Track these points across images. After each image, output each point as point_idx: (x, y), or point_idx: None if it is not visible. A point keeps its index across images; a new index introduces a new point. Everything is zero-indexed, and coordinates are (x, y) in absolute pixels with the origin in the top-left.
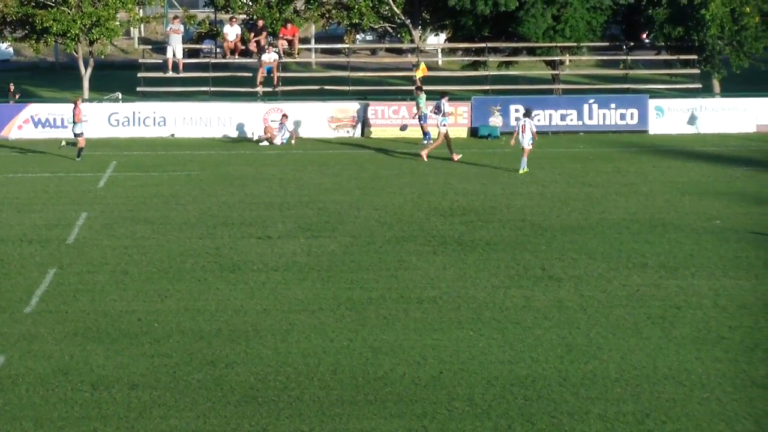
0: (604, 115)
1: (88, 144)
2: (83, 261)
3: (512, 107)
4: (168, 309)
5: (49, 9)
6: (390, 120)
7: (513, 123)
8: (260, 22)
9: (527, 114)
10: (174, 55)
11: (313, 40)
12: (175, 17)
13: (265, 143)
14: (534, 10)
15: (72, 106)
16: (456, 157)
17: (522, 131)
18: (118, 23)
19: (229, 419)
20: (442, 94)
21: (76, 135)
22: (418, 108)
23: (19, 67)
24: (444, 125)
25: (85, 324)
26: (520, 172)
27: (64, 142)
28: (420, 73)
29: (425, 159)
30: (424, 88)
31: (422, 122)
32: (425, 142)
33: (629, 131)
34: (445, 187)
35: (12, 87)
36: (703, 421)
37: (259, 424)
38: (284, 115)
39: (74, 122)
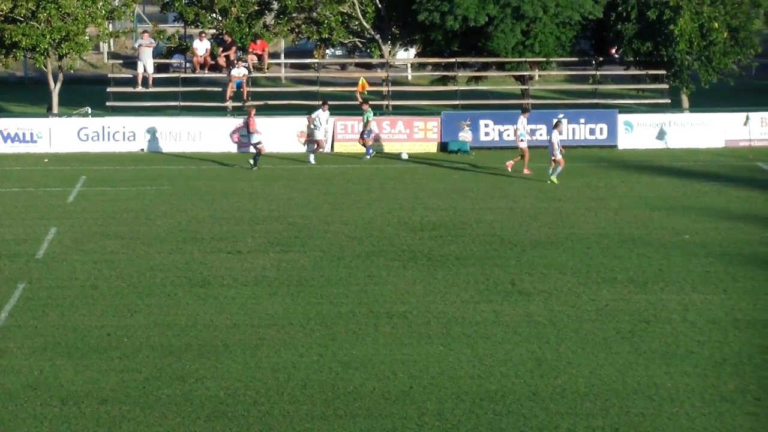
0: (573, 129)
1: (56, 158)
2: (52, 276)
3: (482, 122)
4: (137, 324)
5: (18, 24)
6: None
7: (483, 138)
8: (227, 37)
9: (555, 126)
10: (145, 70)
11: (282, 55)
12: (145, 32)
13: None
14: (503, 25)
15: (246, 117)
16: (510, 165)
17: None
18: (87, 38)
19: None
20: (523, 110)
21: (254, 145)
22: (366, 123)
23: None
24: (522, 140)
25: (54, 339)
26: (555, 181)
27: (46, 159)
28: (360, 87)
29: (529, 173)
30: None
31: (366, 137)
32: (367, 157)
33: (598, 146)
34: (415, 202)
35: None
36: None
37: None
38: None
39: (249, 133)
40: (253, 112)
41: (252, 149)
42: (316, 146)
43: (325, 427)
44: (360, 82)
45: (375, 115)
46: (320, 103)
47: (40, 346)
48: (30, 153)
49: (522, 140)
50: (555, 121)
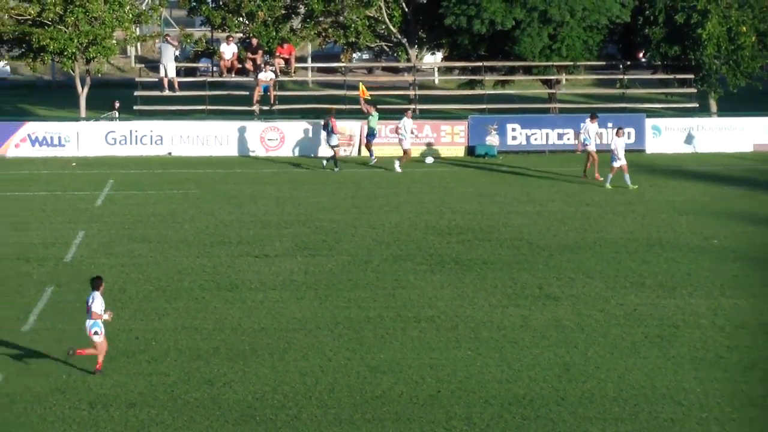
0: (600, 134)
1: (84, 162)
2: (81, 279)
3: (509, 126)
4: (165, 327)
5: (46, 27)
6: (386, 138)
7: (510, 141)
8: (254, 41)
9: (618, 133)
10: (166, 74)
11: (309, 59)
12: (167, 35)
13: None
14: (530, 29)
15: (327, 120)
16: (599, 177)
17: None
18: (114, 42)
19: None
20: (592, 115)
21: (333, 146)
22: (369, 127)
23: (16, 86)
24: (585, 144)
25: (83, 342)
26: (632, 187)
27: (74, 163)
28: (361, 93)
29: (600, 179)
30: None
31: (370, 140)
32: (373, 161)
33: (626, 150)
34: (443, 206)
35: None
36: None
37: None
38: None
39: (332, 134)
40: (334, 112)
41: (328, 152)
42: (403, 155)
43: (353, 431)
44: (360, 88)
45: (402, 119)
46: (403, 110)
47: (68, 349)
48: (58, 157)
49: (587, 144)
50: (617, 128)
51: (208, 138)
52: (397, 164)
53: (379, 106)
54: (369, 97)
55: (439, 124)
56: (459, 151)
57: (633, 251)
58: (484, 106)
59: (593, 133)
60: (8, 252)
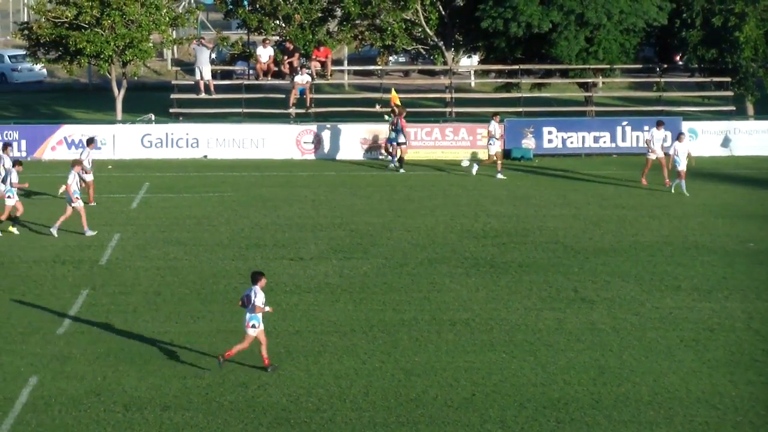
0: (637, 137)
1: (120, 165)
2: (116, 282)
3: (545, 129)
4: (200, 330)
5: (83, 31)
6: (422, 142)
7: (546, 145)
8: (290, 44)
9: (679, 138)
10: (202, 77)
11: (346, 62)
12: (202, 37)
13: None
14: (567, 32)
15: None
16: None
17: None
18: (151, 45)
19: None
20: (658, 122)
21: (400, 144)
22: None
23: (53, 88)
24: (652, 151)
25: (118, 345)
26: (686, 194)
27: (110, 165)
28: (394, 98)
29: (645, 183)
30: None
31: (391, 144)
32: (392, 165)
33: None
34: (478, 209)
35: None
36: None
37: None
38: None
39: (399, 132)
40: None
41: (385, 154)
42: (487, 158)
43: None
44: (392, 93)
45: (439, 122)
46: (491, 115)
47: (103, 352)
48: (94, 159)
49: (653, 151)
50: (679, 133)
51: (243, 141)
52: (475, 168)
53: (414, 109)
54: (399, 103)
55: (474, 128)
56: None
57: (668, 254)
58: (520, 109)
59: (659, 140)
60: (44, 255)
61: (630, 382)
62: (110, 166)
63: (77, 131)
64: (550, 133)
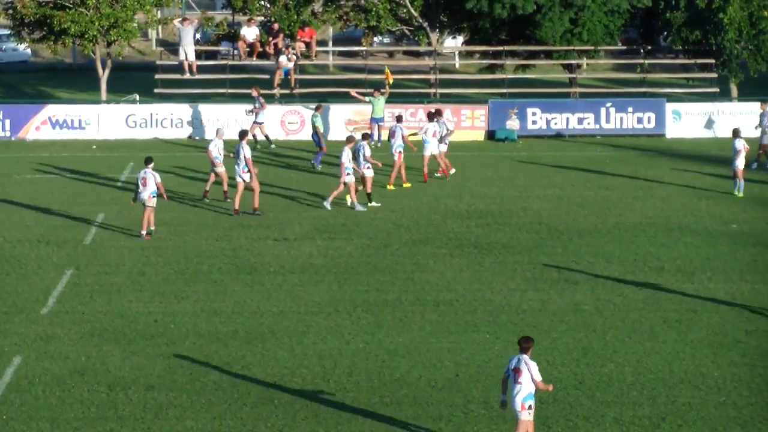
0: (621, 118)
1: (105, 145)
2: (100, 262)
3: (529, 110)
4: (184, 310)
5: (67, 10)
6: (407, 122)
7: (530, 126)
8: (275, 25)
9: (735, 134)
10: (186, 57)
11: (330, 43)
12: (185, 19)
13: None
14: (551, 13)
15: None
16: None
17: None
18: (135, 25)
19: (245, 421)
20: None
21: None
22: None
23: (37, 68)
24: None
25: (102, 325)
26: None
27: (94, 146)
28: (385, 77)
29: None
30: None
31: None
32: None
33: (646, 135)
34: (462, 190)
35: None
36: (719, 426)
37: (275, 426)
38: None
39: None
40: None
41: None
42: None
43: (371, 414)
44: (386, 71)
45: (423, 102)
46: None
47: (87, 332)
48: (78, 140)
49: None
50: (734, 128)
51: (228, 121)
52: None
53: (399, 90)
54: (391, 82)
55: (459, 108)
56: (479, 135)
57: (652, 236)
58: (504, 91)
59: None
60: (28, 234)
61: (613, 362)
62: (94, 146)
63: (61, 111)
64: (534, 114)
